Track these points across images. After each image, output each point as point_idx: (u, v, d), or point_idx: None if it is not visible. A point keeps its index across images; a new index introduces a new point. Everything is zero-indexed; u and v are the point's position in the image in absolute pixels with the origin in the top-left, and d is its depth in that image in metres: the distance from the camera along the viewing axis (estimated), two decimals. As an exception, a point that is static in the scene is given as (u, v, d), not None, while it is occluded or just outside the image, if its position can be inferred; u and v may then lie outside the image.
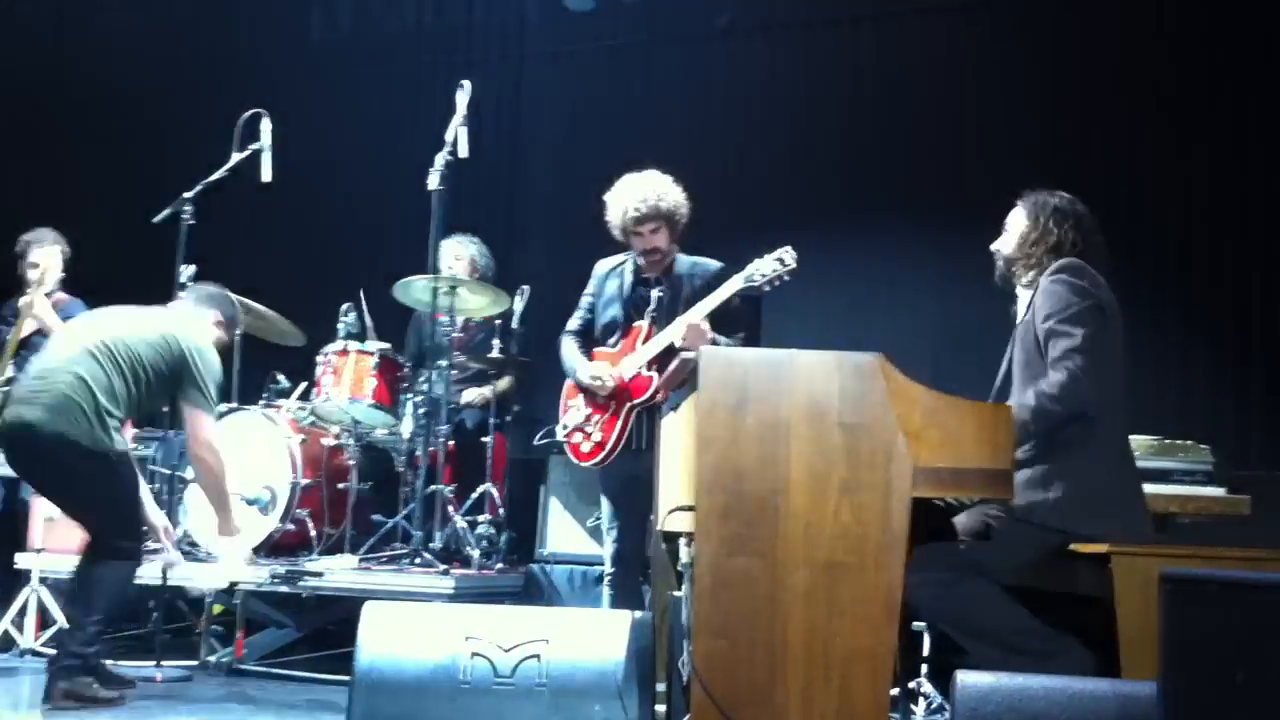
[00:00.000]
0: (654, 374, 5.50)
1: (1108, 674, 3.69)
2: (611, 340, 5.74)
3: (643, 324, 5.64)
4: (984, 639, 3.92)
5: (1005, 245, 4.50)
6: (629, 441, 5.55)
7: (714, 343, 5.30)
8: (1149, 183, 7.30)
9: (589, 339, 5.86)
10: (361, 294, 6.98)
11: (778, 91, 8.37)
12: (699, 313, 5.38)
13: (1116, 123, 7.44)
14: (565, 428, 5.81)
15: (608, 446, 5.56)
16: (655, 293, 5.70)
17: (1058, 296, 4.17)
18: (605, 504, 5.80)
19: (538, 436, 6.70)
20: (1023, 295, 4.42)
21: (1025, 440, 3.99)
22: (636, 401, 5.53)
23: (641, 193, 5.62)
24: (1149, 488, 4.57)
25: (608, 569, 5.78)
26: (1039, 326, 4.18)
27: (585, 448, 5.69)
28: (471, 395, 7.29)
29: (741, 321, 5.62)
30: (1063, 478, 4.04)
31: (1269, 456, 6.84)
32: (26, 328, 7.11)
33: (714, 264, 5.70)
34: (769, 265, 5.26)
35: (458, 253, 7.23)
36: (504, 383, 7.22)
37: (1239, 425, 6.98)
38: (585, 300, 5.93)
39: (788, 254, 5.24)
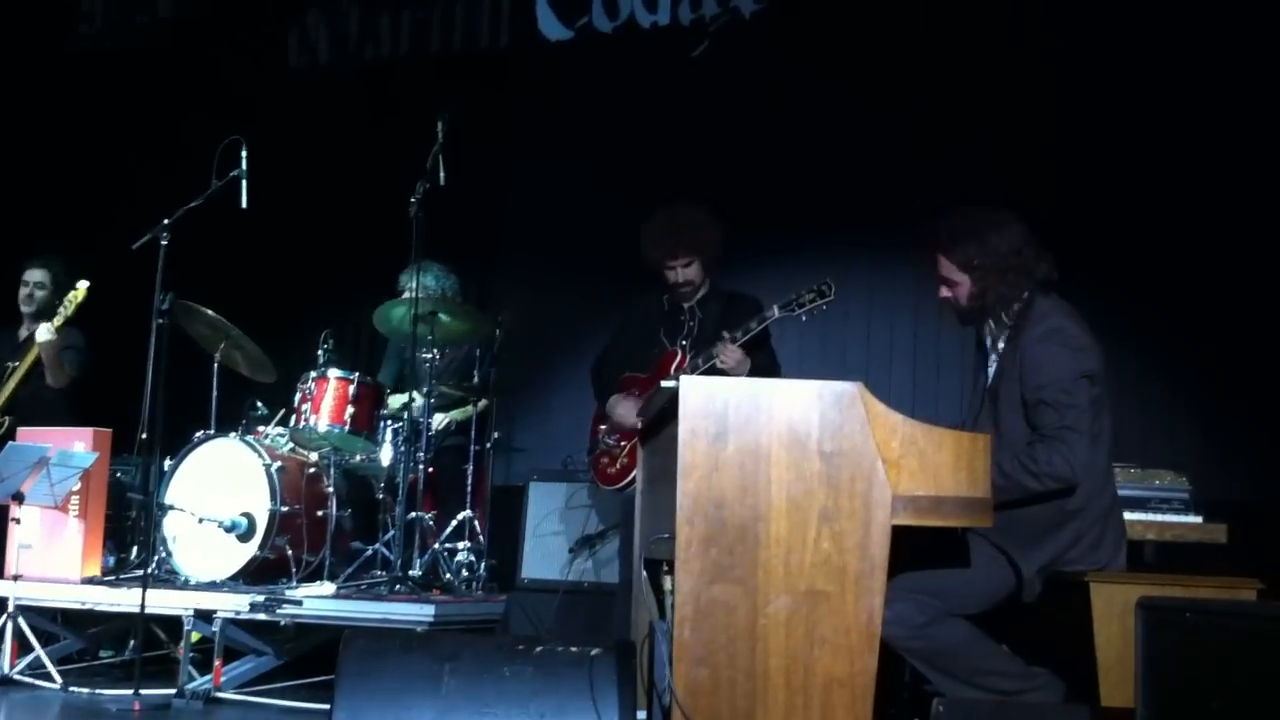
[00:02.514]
0: None
1: (1081, 700, 3.72)
2: (644, 366, 5.78)
3: (676, 351, 5.70)
4: (957, 678, 3.93)
5: (959, 295, 4.37)
6: None
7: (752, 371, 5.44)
8: (1124, 210, 7.33)
9: (621, 365, 5.90)
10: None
11: (753, 118, 8.40)
12: (742, 338, 5.43)
13: (1095, 150, 7.48)
14: (593, 450, 5.87)
15: (632, 471, 5.58)
16: (688, 321, 5.76)
17: (1045, 366, 4.10)
18: (626, 527, 5.84)
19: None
20: (989, 340, 4.39)
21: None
22: None
23: (671, 229, 5.67)
24: (1126, 515, 4.59)
25: (620, 595, 5.79)
26: (1027, 393, 4.12)
27: (611, 471, 5.76)
28: (440, 421, 7.24)
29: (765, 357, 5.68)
30: (1036, 551, 4.05)
31: (1244, 484, 6.88)
32: (32, 357, 7.17)
33: (749, 296, 5.76)
34: (807, 296, 5.29)
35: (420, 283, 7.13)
36: (481, 403, 7.22)
37: (1215, 453, 7.01)
38: (619, 327, 5.99)
39: (827, 285, 5.27)
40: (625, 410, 5.72)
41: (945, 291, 4.41)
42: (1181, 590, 3.58)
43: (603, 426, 5.90)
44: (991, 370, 4.35)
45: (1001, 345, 4.32)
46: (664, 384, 3.74)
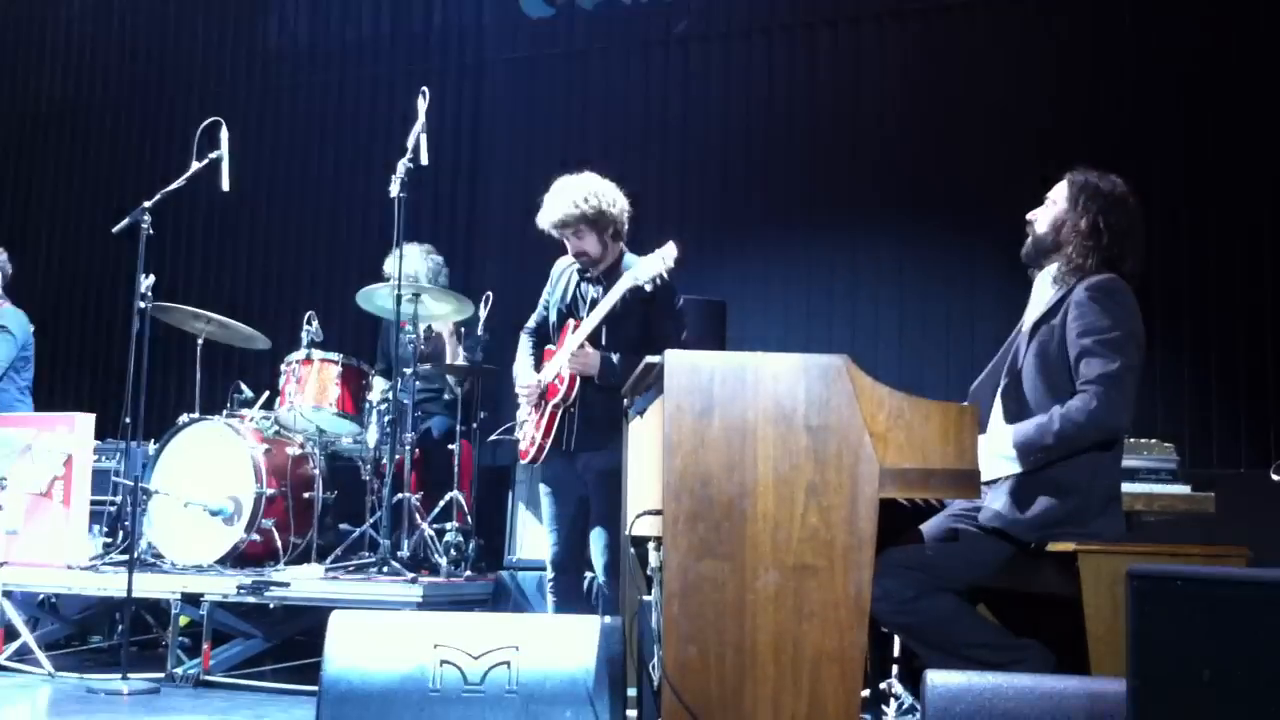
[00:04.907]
0: (567, 374, 5.51)
1: (1072, 672, 3.71)
2: (555, 339, 5.77)
3: (578, 322, 5.65)
4: (945, 652, 3.91)
5: (1040, 221, 4.28)
6: (557, 441, 5.55)
7: (604, 361, 5.44)
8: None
9: (544, 337, 5.87)
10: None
11: (734, 95, 8.39)
12: (582, 335, 5.44)
13: (1080, 124, 7.47)
14: (516, 426, 5.86)
15: (536, 445, 5.57)
16: (592, 292, 5.70)
17: (1098, 315, 4.01)
18: (545, 506, 5.81)
19: (495, 433, 6.74)
20: (1042, 283, 4.26)
21: (1039, 458, 3.94)
22: (552, 401, 5.54)
23: (566, 196, 5.61)
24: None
25: (548, 575, 5.77)
26: (1071, 339, 4.03)
27: (524, 445, 5.72)
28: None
29: (663, 329, 5.59)
30: (1047, 493, 4.00)
31: (1231, 455, 6.89)
32: None
33: (658, 278, 5.69)
34: (654, 265, 5.25)
35: (406, 267, 7.09)
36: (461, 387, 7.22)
37: (1202, 423, 7.03)
38: (542, 299, 5.94)
39: (668, 252, 5.24)
40: (522, 382, 5.72)
41: (1034, 211, 4.32)
42: (1171, 560, 3.57)
43: (518, 403, 5.87)
44: (1036, 311, 4.26)
45: (1051, 292, 4.21)
46: (649, 360, 3.72)
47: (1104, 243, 4.16)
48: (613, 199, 5.66)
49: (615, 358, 5.42)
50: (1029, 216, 4.34)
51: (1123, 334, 4.02)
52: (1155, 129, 7.35)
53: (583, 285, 5.74)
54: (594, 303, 5.62)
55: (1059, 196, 4.28)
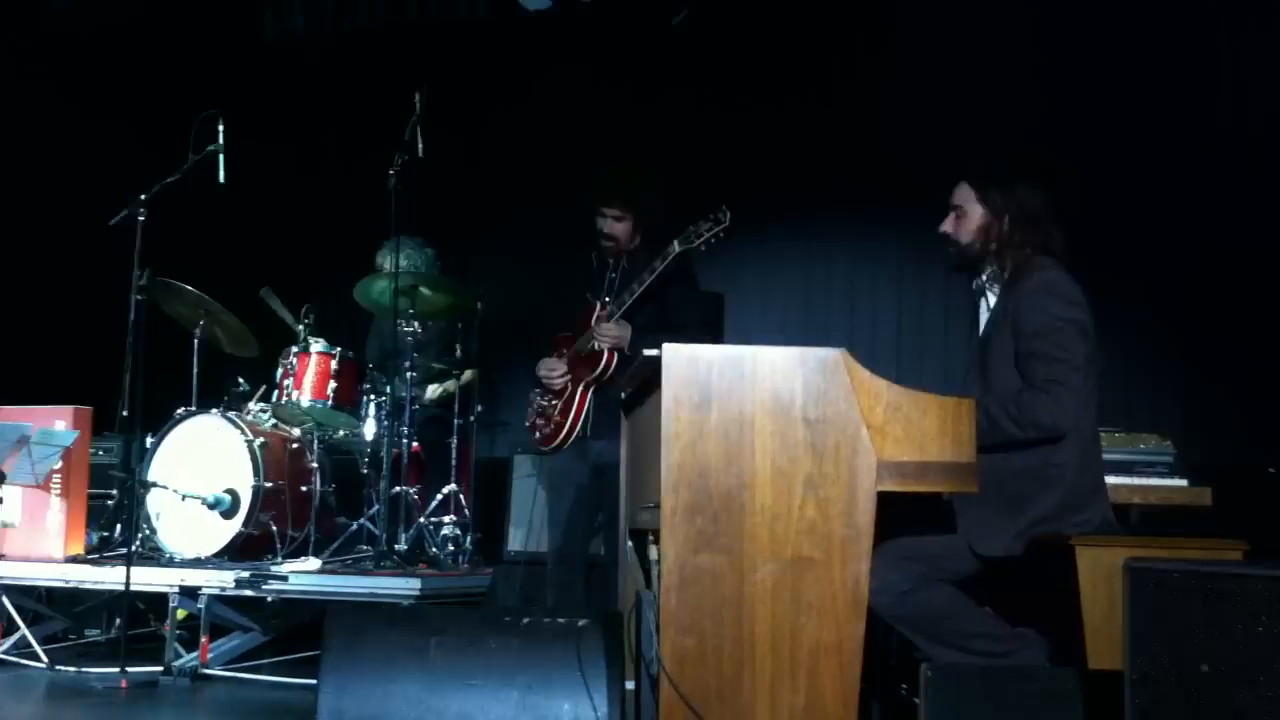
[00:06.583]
0: (604, 349, 5.55)
1: (1068, 663, 3.71)
2: (572, 326, 5.80)
3: (596, 305, 5.71)
4: (943, 643, 3.92)
5: (962, 232, 4.29)
6: (583, 427, 5.59)
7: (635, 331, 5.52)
8: (1101, 168, 7.32)
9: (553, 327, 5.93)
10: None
11: (733, 87, 8.38)
12: (621, 310, 5.53)
13: (1071, 107, 7.46)
14: (529, 418, 5.88)
15: (564, 429, 5.62)
16: (611, 273, 5.77)
17: (1039, 314, 4.03)
18: (548, 497, 5.83)
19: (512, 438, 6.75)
20: (988, 291, 4.30)
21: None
22: (585, 379, 5.58)
23: (625, 183, 5.75)
24: (1111, 479, 4.58)
25: (548, 566, 5.78)
26: (1018, 345, 4.07)
27: (546, 431, 5.74)
28: (434, 390, 7.28)
29: (683, 316, 5.64)
30: (1021, 508, 4.01)
31: (1229, 447, 6.89)
32: None
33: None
34: (705, 226, 5.27)
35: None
36: (468, 374, 7.21)
37: (1199, 416, 7.02)
38: (556, 291, 6.03)
39: (723, 213, 5.26)
40: (549, 368, 5.75)
41: (948, 225, 4.33)
42: (1168, 553, 3.58)
43: (536, 390, 5.90)
44: (984, 321, 4.31)
45: (993, 298, 4.27)
46: (647, 353, 3.72)
47: (1033, 230, 4.18)
48: (660, 198, 5.77)
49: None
50: (944, 230, 4.34)
51: (1065, 332, 4.04)
52: (1154, 116, 7.34)
53: (601, 270, 5.83)
54: (613, 282, 5.70)
55: (966, 201, 4.29)
